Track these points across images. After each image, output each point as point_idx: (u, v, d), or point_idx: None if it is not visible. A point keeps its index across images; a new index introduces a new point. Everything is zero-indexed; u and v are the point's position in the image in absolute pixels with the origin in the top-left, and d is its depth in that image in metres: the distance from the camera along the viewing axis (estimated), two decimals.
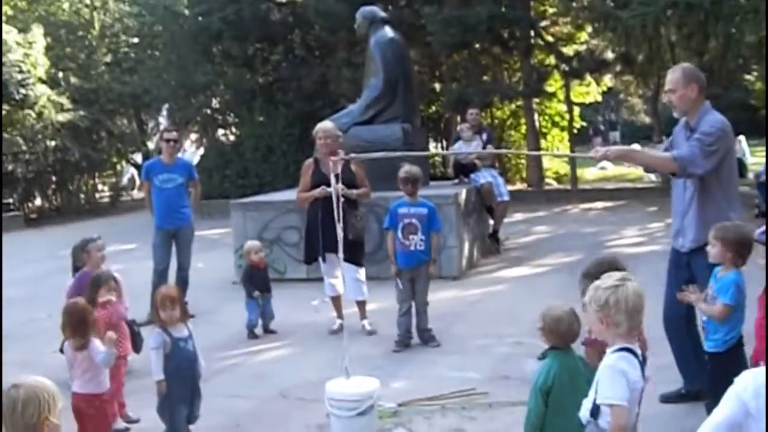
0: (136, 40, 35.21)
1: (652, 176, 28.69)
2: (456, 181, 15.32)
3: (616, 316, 3.84)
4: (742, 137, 31.98)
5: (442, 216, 10.31)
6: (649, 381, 4.06)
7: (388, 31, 14.40)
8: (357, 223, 9.83)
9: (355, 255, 9.73)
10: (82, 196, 33.13)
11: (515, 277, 13.04)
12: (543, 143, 29.24)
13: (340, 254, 7.66)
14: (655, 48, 22.16)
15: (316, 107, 24.68)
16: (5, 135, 27.96)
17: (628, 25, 20.12)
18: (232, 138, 30.89)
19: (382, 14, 14.20)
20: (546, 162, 29.48)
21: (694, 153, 6.28)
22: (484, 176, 15.11)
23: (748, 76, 28.29)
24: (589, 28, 25.59)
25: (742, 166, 28.26)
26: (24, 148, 28.50)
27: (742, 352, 5.77)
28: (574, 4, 24.03)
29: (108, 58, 34.87)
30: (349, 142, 11.89)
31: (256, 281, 10.17)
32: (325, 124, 10.21)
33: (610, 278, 3.93)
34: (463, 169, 15.24)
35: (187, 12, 29.42)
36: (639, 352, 3.94)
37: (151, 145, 36.36)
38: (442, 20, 22.51)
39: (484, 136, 15.65)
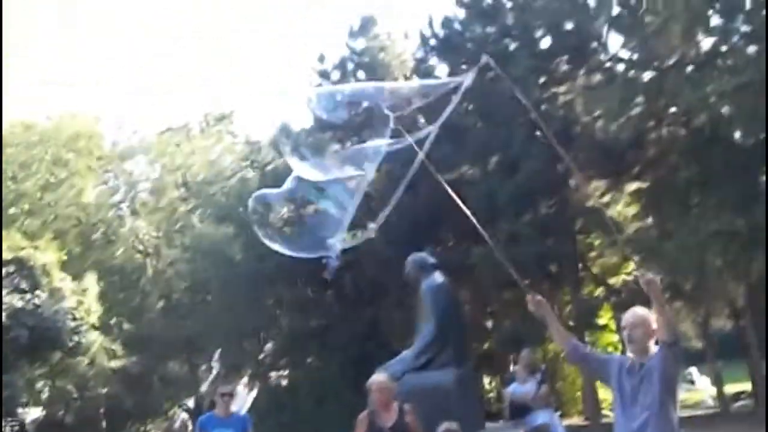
0: (188, 284, 35.79)
1: (710, 401, 28.24)
2: (511, 422, 15.08)
3: None
4: None
5: None
6: None
7: (438, 277, 14.58)
8: None
9: None
10: None
11: None
12: None
13: None
14: (702, 275, 22.20)
15: (369, 349, 24.68)
16: (57, 383, 28.24)
17: (673, 256, 20.32)
18: (284, 382, 30.82)
19: (432, 260, 14.44)
20: (602, 393, 28.99)
21: None
22: (542, 417, 14.86)
23: None
24: (636, 257, 25.78)
25: None
26: (75, 395, 28.68)
27: None
28: (619, 237, 24.33)
29: (161, 304, 35.42)
30: (402, 390, 11.85)
31: None
32: (378, 377, 10.28)
33: None
34: (519, 410, 15.03)
35: (239, 257, 30.03)
36: None
37: (203, 389, 36.40)
38: (491, 260, 22.81)
39: (539, 376, 15.53)
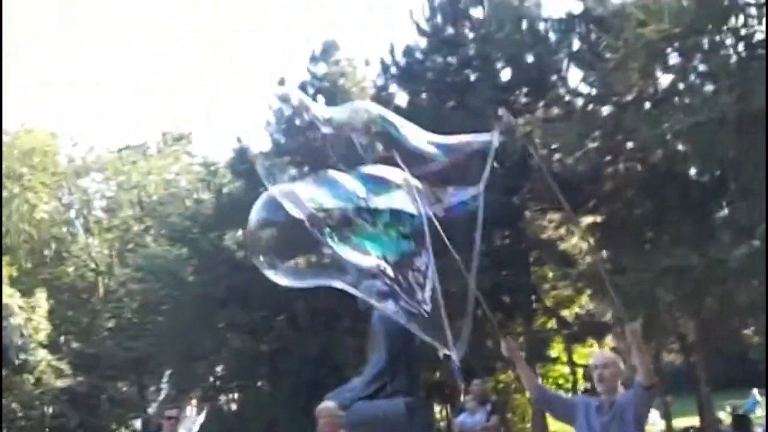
0: (139, 304, 35.46)
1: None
2: None
3: None
4: (755, 391, 31.97)
5: None
6: None
7: (391, 305, 14.51)
8: None
9: None
10: None
11: None
12: None
13: None
14: (654, 311, 22.39)
15: (321, 375, 24.55)
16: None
17: (626, 290, 20.43)
18: (234, 406, 30.59)
19: (385, 288, 14.44)
20: (552, 425, 29.06)
21: None
22: None
23: (746, 331, 28.53)
24: (589, 291, 25.91)
25: (747, 422, 27.93)
26: (20, 414, 28.20)
27: None
28: (573, 271, 24.48)
29: (111, 323, 35.05)
30: (351, 418, 11.75)
31: None
32: (327, 404, 10.22)
33: None
34: None
35: (191, 278, 29.82)
36: None
37: (150, 410, 36.00)
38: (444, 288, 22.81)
39: (489, 407, 15.51)
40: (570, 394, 29.30)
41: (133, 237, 40.10)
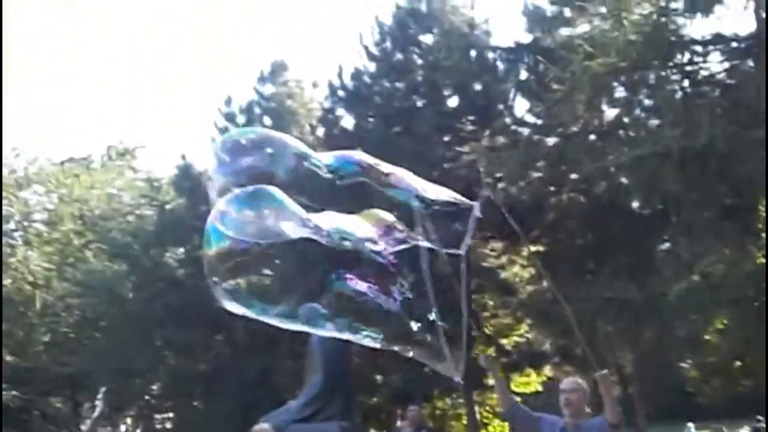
0: (76, 319, 34.92)
1: None
2: None
3: None
4: (690, 424, 32.27)
5: None
6: None
7: None
8: None
9: None
10: None
11: None
12: None
13: None
14: (593, 341, 22.48)
15: (258, 397, 24.33)
16: None
17: (565, 320, 20.49)
18: (169, 425, 30.23)
19: (323, 311, 14.37)
20: None
21: None
22: None
23: (683, 365, 28.76)
24: (529, 320, 25.99)
25: None
26: None
27: None
28: (514, 300, 24.54)
29: (47, 338, 34.49)
30: None
31: None
32: (261, 427, 10.04)
33: None
34: None
35: (131, 295, 29.48)
36: None
37: (84, 427, 35.42)
38: None
39: None
40: (507, 423, 29.35)
41: (73, 251, 39.47)
